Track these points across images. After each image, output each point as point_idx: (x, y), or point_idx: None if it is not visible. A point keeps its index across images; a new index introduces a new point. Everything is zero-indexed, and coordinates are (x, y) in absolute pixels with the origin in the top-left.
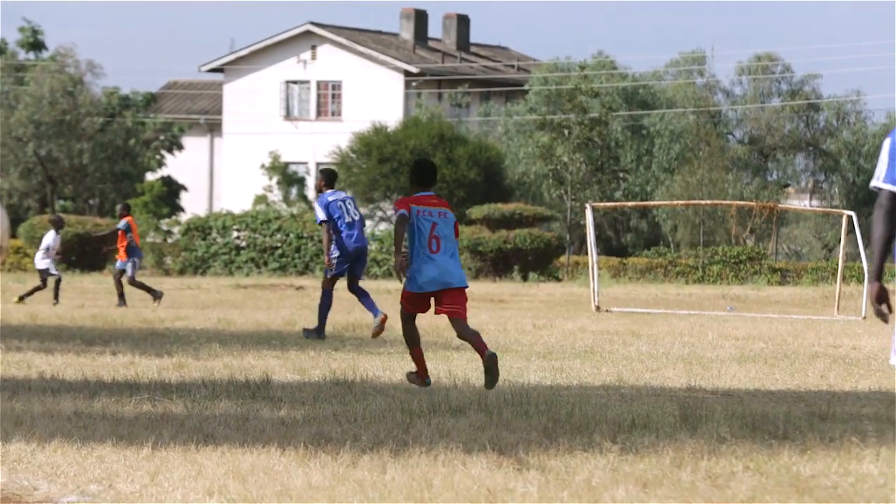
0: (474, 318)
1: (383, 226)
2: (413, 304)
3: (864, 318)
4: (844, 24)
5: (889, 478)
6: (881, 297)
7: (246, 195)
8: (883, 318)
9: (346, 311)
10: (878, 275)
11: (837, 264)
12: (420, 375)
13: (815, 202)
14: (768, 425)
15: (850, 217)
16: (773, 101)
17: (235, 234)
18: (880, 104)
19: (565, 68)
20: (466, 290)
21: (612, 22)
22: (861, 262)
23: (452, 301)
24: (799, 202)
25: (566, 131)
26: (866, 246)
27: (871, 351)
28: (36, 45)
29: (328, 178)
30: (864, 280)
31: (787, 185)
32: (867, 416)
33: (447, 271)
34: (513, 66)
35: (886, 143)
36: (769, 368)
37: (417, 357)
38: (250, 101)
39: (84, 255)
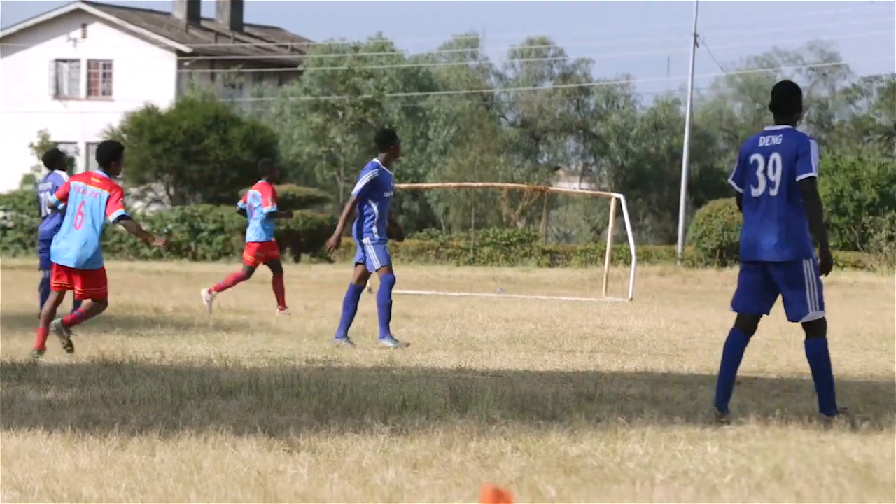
0: (247, 300)
1: (154, 207)
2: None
3: (631, 299)
4: (616, 8)
5: (654, 457)
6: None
7: (14, 175)
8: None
9: (115, 292)
10: None
11: (606, 246)
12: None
13: (584, 185)
14: (537, 406)
15: (618, 200)
16: (545, 85)
17: (2, 214)
18: (649, 88)
19: (340, 50)
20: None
21: (386, 4)
22: (629, 244)
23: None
24: (569, 184)
25: (340, 113)
26: (634, 228)
27: (637, 332)
28: None
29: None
30: (631, 262)
31: (557, 168)
32: (633, 397)
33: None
34: (286, 47)
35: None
36: (538, 350)
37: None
38: (19, 79)
39: None
